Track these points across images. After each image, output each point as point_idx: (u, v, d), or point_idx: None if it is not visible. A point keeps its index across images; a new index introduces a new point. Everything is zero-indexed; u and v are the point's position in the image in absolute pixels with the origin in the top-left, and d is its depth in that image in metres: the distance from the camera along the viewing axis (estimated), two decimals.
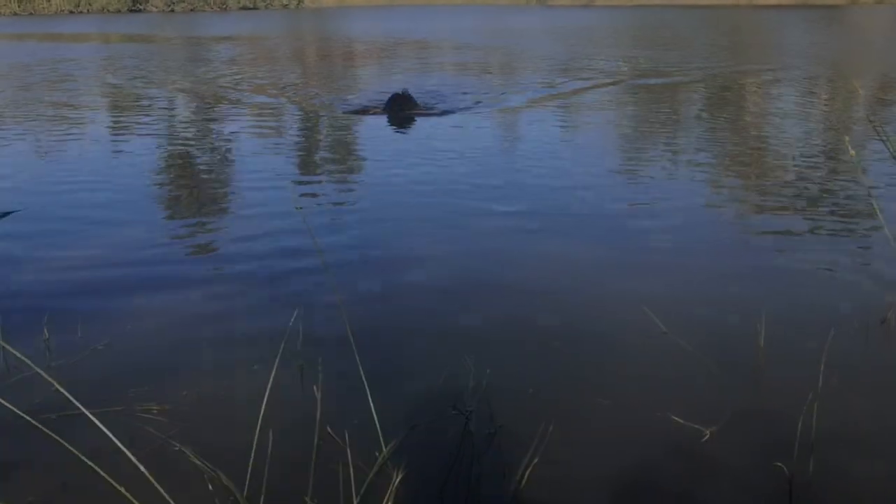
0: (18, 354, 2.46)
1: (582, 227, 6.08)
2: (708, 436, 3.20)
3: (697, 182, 7.58)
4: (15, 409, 2.47)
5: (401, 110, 11.15)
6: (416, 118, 11.06)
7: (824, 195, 7.02)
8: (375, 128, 10.68)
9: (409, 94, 11.45)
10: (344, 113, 11.74)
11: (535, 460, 2.98)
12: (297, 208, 6.27)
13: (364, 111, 11.53)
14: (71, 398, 2.24)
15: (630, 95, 13.70)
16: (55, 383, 2.28)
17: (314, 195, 7.30)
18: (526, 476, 2.95)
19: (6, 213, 6.50)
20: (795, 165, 8.24)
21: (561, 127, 10.99)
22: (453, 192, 7.18)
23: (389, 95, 11.59)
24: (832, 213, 6.44)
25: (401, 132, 10.55)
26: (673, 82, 15.33)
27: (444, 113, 11.45)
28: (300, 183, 7.85)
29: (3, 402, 2.45)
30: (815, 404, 3.07)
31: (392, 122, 10.95)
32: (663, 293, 4.67)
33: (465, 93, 13.69)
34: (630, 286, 4.82)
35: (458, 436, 3.19)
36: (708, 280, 4.97)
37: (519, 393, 3.57)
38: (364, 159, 8.86)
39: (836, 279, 4.94)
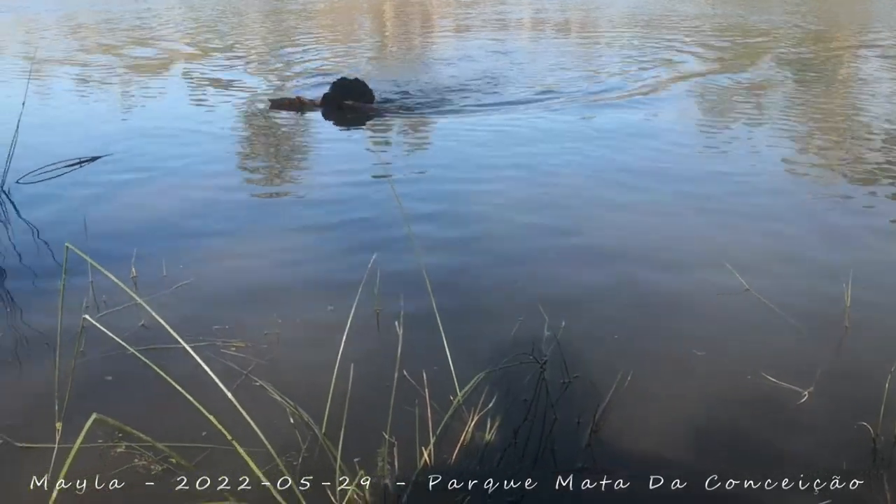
0: (123, 286, 2.55)
1: (661, 186, 5.93)
2: (791, 392, 3.13)
3: (784, 147, 7.31)
4: (114, 337, 2.58)
5: (344, 102, 8.68)
6: (358, 114, 8.67)
7: None
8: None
9: (362, 82, 8.91)
10: (269, 98, 9.21)
11: (612, 410, 2.97)
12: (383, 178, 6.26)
13: (291, 102, 8.94)
14: (170, 330, 2.32)
15: (710, 60, 13.22)
16: (156, 316, 2.36)
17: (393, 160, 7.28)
18: (601, 424, 2.94)
19: (95, 158, 6.75)
20: (886, 130, 7.87)
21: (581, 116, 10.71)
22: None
23: (333, 81, 9.03)
24: None
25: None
26: (757, 45, 14.76)
27: (404, 109, 8.91)
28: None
29: (104, 329, 2.57)
30: None
31: (327, 116, 8.66)
32: (746, 252, 4.56)
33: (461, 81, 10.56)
34: (713, 244, 4.73)
35: (533, 383, 3.20)
36: (792, 240, 4.82)
37: (596, 344, 3.55)
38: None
39: None
